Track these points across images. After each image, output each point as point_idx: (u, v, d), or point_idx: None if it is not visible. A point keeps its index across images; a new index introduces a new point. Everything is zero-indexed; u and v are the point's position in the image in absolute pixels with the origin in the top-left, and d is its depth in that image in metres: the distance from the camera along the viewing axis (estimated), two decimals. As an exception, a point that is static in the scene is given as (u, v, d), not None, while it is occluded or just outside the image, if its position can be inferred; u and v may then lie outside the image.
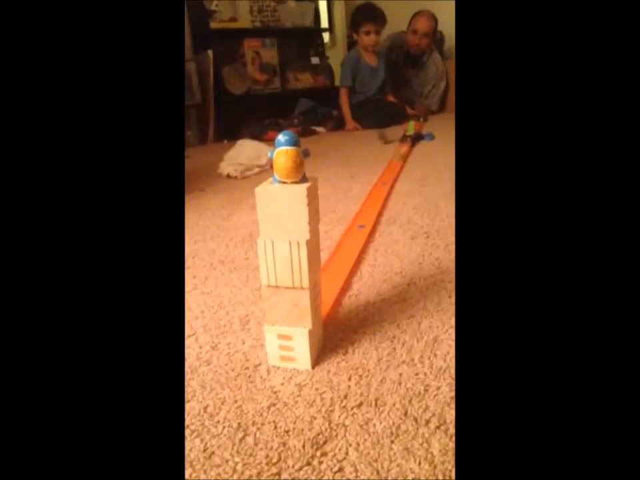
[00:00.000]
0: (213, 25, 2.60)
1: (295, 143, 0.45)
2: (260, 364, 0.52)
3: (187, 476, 0.38)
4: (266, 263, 0.49)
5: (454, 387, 0.46)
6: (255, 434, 0.42)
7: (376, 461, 0.38)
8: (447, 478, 0.36)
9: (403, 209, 1.09)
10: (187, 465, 0.39)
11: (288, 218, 0.47)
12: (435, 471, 0.37)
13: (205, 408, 0.46)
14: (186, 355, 0.55)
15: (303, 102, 2.79)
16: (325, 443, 0.40)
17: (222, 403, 0.46)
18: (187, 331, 0.61)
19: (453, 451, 0.38)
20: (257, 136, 2.23)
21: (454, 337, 0.55)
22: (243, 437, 0.42)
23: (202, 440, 0.42)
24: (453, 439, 0.40)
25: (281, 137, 0.45)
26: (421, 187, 1.27)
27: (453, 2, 0.68)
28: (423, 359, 0.51)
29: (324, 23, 3.51)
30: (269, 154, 0.47)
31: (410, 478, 0.36)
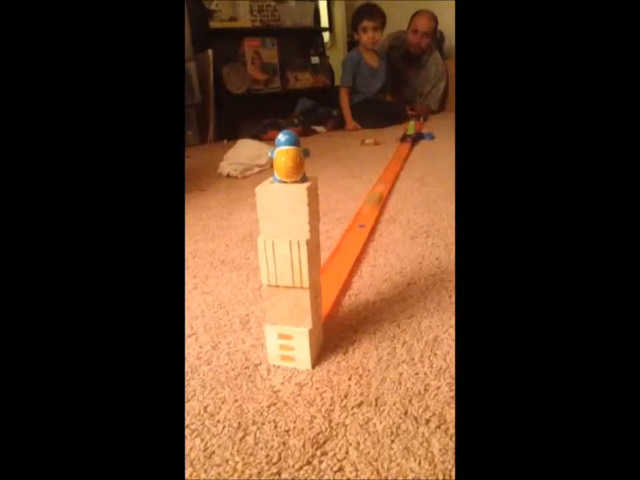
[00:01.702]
0: (213, 24, 2.60)
1: (295, 142, 0.45)
2: (260, 363, 0.52)
3: (187, 475, 0.38)
4: (266, 262, 0.49)
5: (454, 387, 0.46)
6: (255, 433, 0.42)
7: (376, 460, 0.38)
8: (447, 477, 0.36)
9: (403, 208, 1.09)
10: (187, 464, 0.39)
11: (288, 217, 0.47)
12: (435, 471, 0.37)
13: (205, 407, 0.46)
14: (186, 355, 0.55)
15: (303, 102, 2.79)
16: (325, 442, 0.40)
17: (222, 403, 0.46)
18: (187, 331, 0.61)
19: (453, 450, 0.38)
20: (257, 136, 2.23)
21: (454, 337, 0.55)
22: (243, 437, 0.42)
23: (202, 439, 0.42)
24: (453, 438, 0.40)
25: (281, 137, 0.45)
26: (421, 187, 1.27)
27: (453, 2, 0.68)
28: (423, 359, 0.51)
29: (324, 23, 3.51)
30: (270, 153, 0.47)
31: (410, 477, 0.36)
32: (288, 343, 0.50)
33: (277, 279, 0.49)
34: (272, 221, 0.47)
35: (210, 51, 2.48)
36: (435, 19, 2.84)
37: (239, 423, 0.43)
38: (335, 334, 0.57)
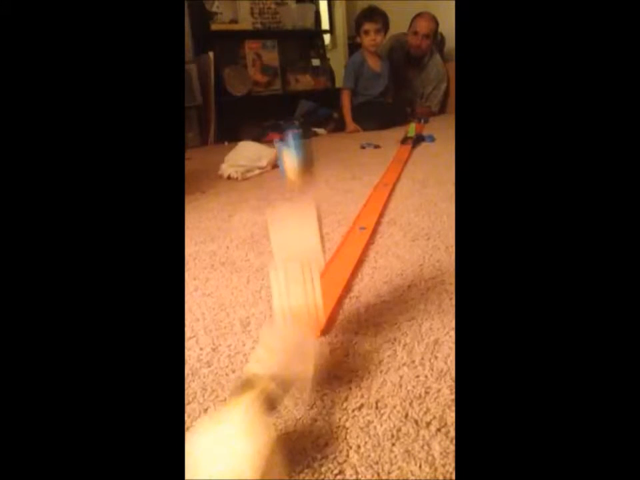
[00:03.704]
0: (214, 26, 2.61)
1: (303, 148, 0.47)
2: (260, 366, 0.52)
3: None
4: (279, 288, 0.50)
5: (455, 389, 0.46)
6: (256, 436, 0.42)
7: (377, 463, 0.38)
8: (448, 481, 0.36)
9: (404, 210, 1.09)
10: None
11: (299, 238, 0.48)
12: (436, 474, 0.37)
13: (206, 410, 0.46)
14: (186, 357, 0.55)
15: (303, 103, 2.79)
16: (325, 445, 0.40)
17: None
18: (188, 333, 0.61)
19: (454, 453, 0.38)
20: (258, 138, 2.23)
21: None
22: (244, 439, 0.41)
23: (202, 442, 0.41)
24: (454, 441, 0.40)
25: (291, 143, 0.47)
26: (422, 189, 1.27)
27: (454, 3, 0.68)
28: (424, 361, 0.51)
29: (325, 25, 3.51)
30: (277, 147, 0.48)
31: (411, 481, 0.36)
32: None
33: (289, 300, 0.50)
34: (284, 244, 0.49)
35: (211, 53, 2.49)
36: (435, 21, 2.85)
37: (240, 425, 0.43)
38: (335, 336, 0.57)
